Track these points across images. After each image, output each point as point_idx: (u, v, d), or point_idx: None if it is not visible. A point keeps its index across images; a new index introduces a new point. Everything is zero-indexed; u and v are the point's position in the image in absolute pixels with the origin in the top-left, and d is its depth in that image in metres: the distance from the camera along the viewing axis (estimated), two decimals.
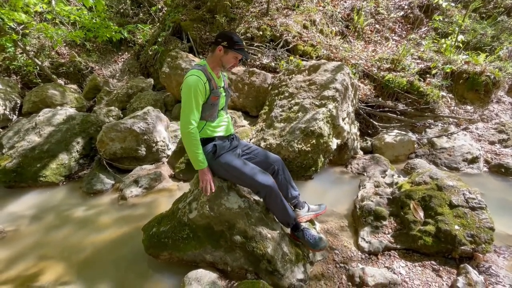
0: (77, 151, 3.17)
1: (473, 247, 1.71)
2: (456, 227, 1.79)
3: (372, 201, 2.34)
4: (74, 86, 6.34)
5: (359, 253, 1.98)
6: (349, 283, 1.72)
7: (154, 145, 3.11)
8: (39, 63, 5.76)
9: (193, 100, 1.61)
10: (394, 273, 1.75)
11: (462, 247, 1.72)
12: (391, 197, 2.33)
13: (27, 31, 6.04)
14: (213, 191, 1.68)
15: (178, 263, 1.86)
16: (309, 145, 2.93)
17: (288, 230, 1.91)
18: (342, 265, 1.88)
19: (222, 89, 1.81)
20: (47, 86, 4.40)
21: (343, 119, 3.20)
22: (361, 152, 3.69)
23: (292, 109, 3.30)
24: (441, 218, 1.87)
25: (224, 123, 1.85)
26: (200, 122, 1.75)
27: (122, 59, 7.75)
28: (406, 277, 1.71)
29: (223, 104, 1.87)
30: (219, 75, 1.81)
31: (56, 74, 6.36)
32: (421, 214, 2.02)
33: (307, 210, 2.09)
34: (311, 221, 2.17)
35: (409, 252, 1.92)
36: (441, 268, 1.73)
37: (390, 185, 2.62)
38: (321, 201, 2.28)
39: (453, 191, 2.01)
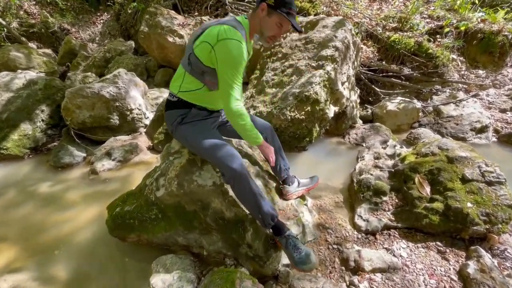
0: (43, 120, 2.81)
1: (487, 227, 1.48)
2: (469, 204, 1.55)
3: (371, 174, 2.08)
4: (48, 51, 5.75)
5: (355, 233, 1.76)
6: (343, 268, 1.50)
7: (128, 113, 2.76)
8: (4, 23, 5.12)
9: (239, 74, 1.25)
10: (394, 255, 1.54)
11: (475, 227, 1.49)
12: (392, 170, 2.07)
13: None
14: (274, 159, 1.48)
15: (148, 246, 1.63)
16: (303, 112, 2.59)
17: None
18: (335, 246, 1.66)
19: None
20: (9, 48, 3.89)
21: (343, 83, 2.83)
22: (360, 121, 3.38)
23: (285, 72, 2.91)
24: (451, 194, 1.62)
25: (217, 98, 1.46)
26: (196, 81, 1.36)
27: (102, 21, 7.00)
28: (408, 260, 1.50)
29: None
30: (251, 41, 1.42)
31: (26, 36, 5.72)
32: (428, 189, 1.76)
33: (297, 185, 1.83)
34: (302, 197, 1.92)
35: (411, 232, 1.70)
36: (447, 250, 1.52)
37: (391, 156, 2.35)
38: (314, 174, 2.01)
39: (467, 163, 1.74)
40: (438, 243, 1.57)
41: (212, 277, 1.25)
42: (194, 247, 1.51)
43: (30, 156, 2.77)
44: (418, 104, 3.29)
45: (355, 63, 3.16)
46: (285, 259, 1.44)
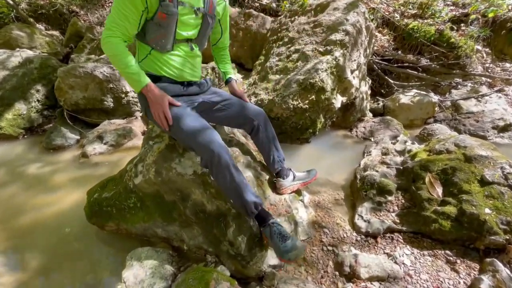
0: (38, 100, 2.74)
1: (507, 237, 1.28)
2: (487, 210, 1.35)
3: (377, 171, 1.89)
4: (56, 33, 5.70)
5: (354, 234, 1.59)
6: (336, 273, 1.35)
7: (123, 95, 2.64)
8: (12, 2, 5.08)
9: (122, 5, 1.10)
10: (395, 262, 1.37)
11: (492, 237, 1.29)
12: (401, 168, 1.87)
13: None
14: (171, 122, 1.19)
15: (128, 236, 1.52)
16: (307, 101, 2.40)
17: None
18: (330, 248, 1.50)
19: (193, 10, 1.23)
20: (11, 27, 3.83)
21: (352, 71, 2.61)
22: (370, 114, 3.15)
23: (290, 58, 2.70)
24: (467, 198, 1.42)
25: (182, 62, 1.30)
26: (143, 45, 1.26)
27: (110, 4, 6.90)
28: (411, 269, 1.33)
29: (193, 35, 1.30)
30: None
31: (34, 17, 5.68)
32: (439, 190, 1.57)
33: (292, 179, 1.66)
34: (298, 192, 1.76)
35: (417, 237, 1.52)
36: (458, 261, 1.33)
37: (401, 153, 2.14)
38: (315, 168, 1.84)
39: (487, 163, 1.52)
40: (448, 252, 1.38)
41: (186, 276, 1.12)
42: (175, 240, 1.39)
43: (25, 136, 2.72)
44: (435, 97, 3.02)
45: (367, 50, 2.91)
46: (271, 260, 1.30)
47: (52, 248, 1.53)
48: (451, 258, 1.35)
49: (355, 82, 2.69)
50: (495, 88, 3.11)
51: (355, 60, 2.62)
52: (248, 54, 3.79)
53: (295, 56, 2.67)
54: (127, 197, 1.41)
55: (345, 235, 1.59)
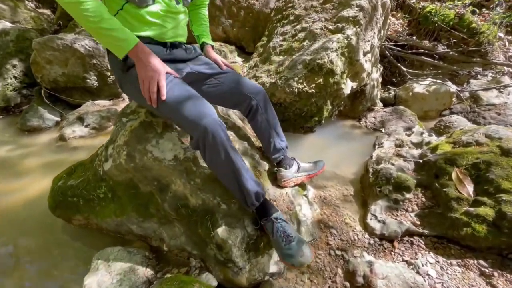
0: (15, 77, 2.47)
1: None
2: None
3: (392, 164, 1.64)
4: (47, 11, 5.37)
5: (366, 236, 1.36)
6: (347, 284, 1.12)
7: (108, 74, 2.37)
8: None
9: None
10: (418, 272, 1.14)
11: None
12: (420, 161, 1.63)
13: None
14: (164, 97, 0.90)
15: (100, 231, 1.28)
16: (313, 85, 2.14)
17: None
18: (339, 252, 1.27)
19: None
20: None
21: (365, 54, 2.33)
22: (380, 104, 2.89)
23: (296, 37, 2.42)
24: (508, 198, 1.18)
25: (163, 18, 1.04)
26: None
27: None
28: (438, 282, 1.10)
29: None
30: None
31: None
32: (470, 188, 1.32)
33: (297, 169, 1.42)
34: (301, 185, 1.52)
35: (442, 242, 1.28)
36: (495, 274, 1.10)
37: (418, 145, 1.90)
38: (320, 159, 1.60)
39: None
40: (482, 262, 1.15)
41: (163, 285, 0.88)
42: (153, 239, 1.16)
43: (1, 116, 2.46)
44: (453, 87, 2.76)
45: (382, 31, 2.63)
46: (268, 266, 1.06)
47: (12, 243, 1.30)
48: (486, 270, 1.12)
49: (367, 66, 2.42)
50: None
51: (368, 41, 2.34)
52: (250, 36, 3.50)
53: (301, 35, 2.40)
54: (97, 186, 1.16)
55: (355, 237, 1.36)
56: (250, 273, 1.00)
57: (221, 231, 0.95)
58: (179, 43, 1.12)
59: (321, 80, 2.12)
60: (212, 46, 1.37)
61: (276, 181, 1.37)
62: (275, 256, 1.08)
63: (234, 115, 1.48)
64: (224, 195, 1.01)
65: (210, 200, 0.99)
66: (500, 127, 1.57)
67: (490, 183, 1.27)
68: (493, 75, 2.91)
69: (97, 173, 1.17)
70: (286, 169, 1.39)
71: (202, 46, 1.35)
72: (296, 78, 2.14)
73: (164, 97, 0.89)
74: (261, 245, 1.03)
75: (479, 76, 2.96)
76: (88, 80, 2.31)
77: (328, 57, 2.09)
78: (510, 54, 3.12)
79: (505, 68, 2.96)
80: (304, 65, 2.14)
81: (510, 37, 3.22)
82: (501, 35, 3.18)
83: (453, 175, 1.40)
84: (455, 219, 1.24)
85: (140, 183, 1.05)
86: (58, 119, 2.34)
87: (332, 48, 2.10)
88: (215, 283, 0.98)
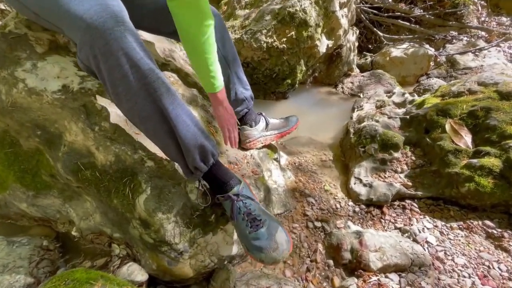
0: None
1: None
2: None
3: (377, 120, 1.41)
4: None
5: (351, 204, 1.11)
6: (330, 262, 0.85)
7: None
8: None
9: None
10: (415, 241, 0.91)
11: None
12: (407, 117, 1.41)
13: None
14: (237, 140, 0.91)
15: None
16: (284, 39, 1.83)
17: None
18: (318, 224, 1.00)
19: None
20: None
21: (341, 6, 2.06)
22: (357, 70, 2.68)
23: None
24: None
25: None
26: None
27: None
28: (440, 250, 0.88)
29: None
30: None
31: None
32: (468, 139, 1.12)
33: (265, 126, 1.13)
34: (271, 147, 1.23)
35: (438, 204, 1.07)
36: (505, 234, 0.90)
37: (401, 105, 1.69)
38: (293, 114, 1.32)
39: None
40: (488, 222, 0.94)
41: (46, 286, 0.55)
42: (59, 223, 0.80)
43: None
44: (431, 49, 2.60)
45: None
46: (224, 248, 0.76)
47: None
48: (494, 231, 0.91)
49: (344, 22, 2.15)
50: (493, 43, 2.76)
51: None
52: None
53: None
54: None
55: (337, 206, 1.10)
56: (196, 259, 0.69)
57: (144, 199, 0.62)
58: None
59: (293, 33, 1.82)
60: None
61: (239, 141, 1.06)
62: (235, 233, 0.78)
63: (182, 59, 1.13)
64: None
65: (128, 155, 0.65)
66: (493, 73, 1.38)
67: (491, 130, 1.06)
68: (468, 39, 2.81)
69: None
70: (251, 126, 1.09)
71: None
72: (264, 31, 1.81)
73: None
74: (212, 218, 0.72)
75: (454, 40, 2.85)
76: None
77: (301, 5, 1.78)
78: (482, 18, 3.05)
79: (480, 32, 2.87)
80: (273, 15, 1.82)
81: (482, 1, 3.14)
82: None
83: (447, 127, 1.19)
84: (454, 174, 1.02)
85: (19, 136, 0.68)
86: None
87: None
88: (142, 277, 0.66)
